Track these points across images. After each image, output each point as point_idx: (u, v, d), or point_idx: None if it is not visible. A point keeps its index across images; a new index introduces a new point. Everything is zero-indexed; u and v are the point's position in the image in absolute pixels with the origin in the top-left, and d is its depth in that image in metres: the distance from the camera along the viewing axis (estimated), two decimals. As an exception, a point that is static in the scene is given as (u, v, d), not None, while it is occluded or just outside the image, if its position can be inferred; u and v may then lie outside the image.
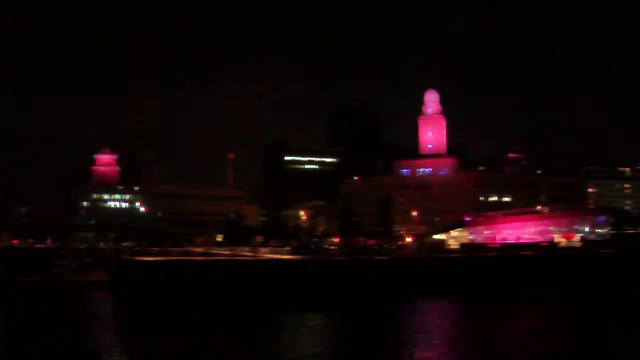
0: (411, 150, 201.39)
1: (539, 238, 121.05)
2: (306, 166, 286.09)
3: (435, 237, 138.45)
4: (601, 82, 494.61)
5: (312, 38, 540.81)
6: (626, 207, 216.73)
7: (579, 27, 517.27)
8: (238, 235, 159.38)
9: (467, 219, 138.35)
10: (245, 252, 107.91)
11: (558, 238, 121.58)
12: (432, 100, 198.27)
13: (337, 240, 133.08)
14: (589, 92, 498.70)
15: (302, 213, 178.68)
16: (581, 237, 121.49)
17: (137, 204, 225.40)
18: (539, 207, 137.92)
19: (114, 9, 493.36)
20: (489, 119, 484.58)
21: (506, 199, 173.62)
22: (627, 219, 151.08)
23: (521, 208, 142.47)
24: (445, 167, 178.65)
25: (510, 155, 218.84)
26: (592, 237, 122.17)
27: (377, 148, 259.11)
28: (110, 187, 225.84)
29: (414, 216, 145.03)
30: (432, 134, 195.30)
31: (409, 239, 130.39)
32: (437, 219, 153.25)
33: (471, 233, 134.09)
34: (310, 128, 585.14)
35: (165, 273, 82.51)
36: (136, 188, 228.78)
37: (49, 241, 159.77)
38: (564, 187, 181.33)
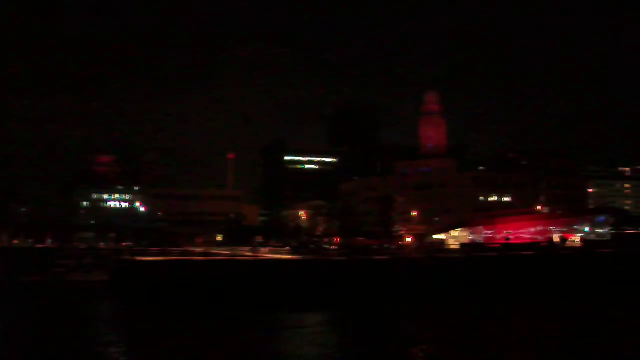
0: (411, 150, 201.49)
1: (539, 238, 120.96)
2: (306, 166, 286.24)
3: (435, 237, 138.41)
4: (601, 82, 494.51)
5: (312, 38, 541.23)
6: (626, 207, 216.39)
7: (577, 26, 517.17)
8: (238, 235, 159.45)
9: (467, 219, 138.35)
10: (245, 252, 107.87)
11: (557, 238, 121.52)
12: (432, 101, 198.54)
13: (337, 240, 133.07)
14: (589, 92, 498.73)
15: (302, 213, 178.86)
16: (581, 237, 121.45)
17: (137, 204, 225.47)
18: (539, 207, 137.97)
19: (114, 8, 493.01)
20: (489, 119, 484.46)
21: (506, 199, 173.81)
22: (627, 219, 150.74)
23: (521, 208, 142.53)
24: (445, 167, 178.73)
25: (510, 155, 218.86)
26: (592, 237, 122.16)
27: (377, 148, 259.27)
28: (110, 187, 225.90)
29: (414, 216, 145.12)
30: (432, 134, 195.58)
31: (409, 239, 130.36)
32: (437, 219, 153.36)
33: (471, 233, 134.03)
34: (310, 128, 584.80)
35: (165, 273, 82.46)
36: (136, 188, 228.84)
37: (49, 241, 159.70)
38: (564, 187, 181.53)
